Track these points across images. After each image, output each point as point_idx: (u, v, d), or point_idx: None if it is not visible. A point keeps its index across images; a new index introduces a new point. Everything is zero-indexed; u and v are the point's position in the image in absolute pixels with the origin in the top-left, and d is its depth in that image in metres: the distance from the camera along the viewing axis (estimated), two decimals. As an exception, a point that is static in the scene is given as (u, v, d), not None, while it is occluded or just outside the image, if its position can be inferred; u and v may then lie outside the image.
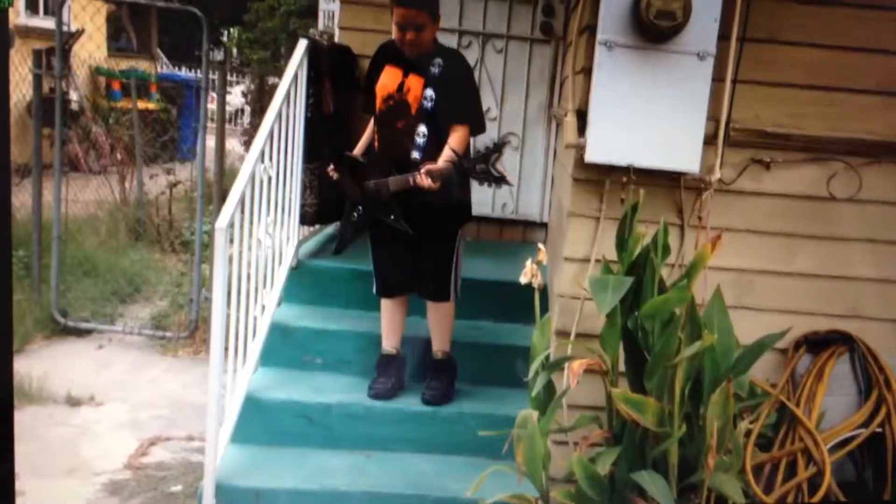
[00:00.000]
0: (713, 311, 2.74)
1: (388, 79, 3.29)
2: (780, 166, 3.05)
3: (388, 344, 3.47)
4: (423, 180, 3.02)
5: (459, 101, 3.25)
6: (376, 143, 3.37)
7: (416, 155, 3.22)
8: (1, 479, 1.17)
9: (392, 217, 3.23)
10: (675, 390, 2.56)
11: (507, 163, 4.69)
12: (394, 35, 3.27)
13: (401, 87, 3.26)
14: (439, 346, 3.44)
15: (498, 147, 3.00)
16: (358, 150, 3.51)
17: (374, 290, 3.48)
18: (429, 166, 3.06)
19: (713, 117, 2.94)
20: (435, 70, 3.23)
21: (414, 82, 3.24)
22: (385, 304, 3.47)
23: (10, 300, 1.18)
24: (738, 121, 3.00)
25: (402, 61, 3.27)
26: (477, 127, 3.27)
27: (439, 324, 3.44)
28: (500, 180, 3.00)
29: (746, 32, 2.94)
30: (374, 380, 3.41)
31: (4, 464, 1.17)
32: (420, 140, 3.23)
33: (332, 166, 3.42)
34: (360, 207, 3.35)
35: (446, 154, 3.11)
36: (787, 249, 3.09)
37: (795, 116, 3.01)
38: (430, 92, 3.21)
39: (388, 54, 3.34)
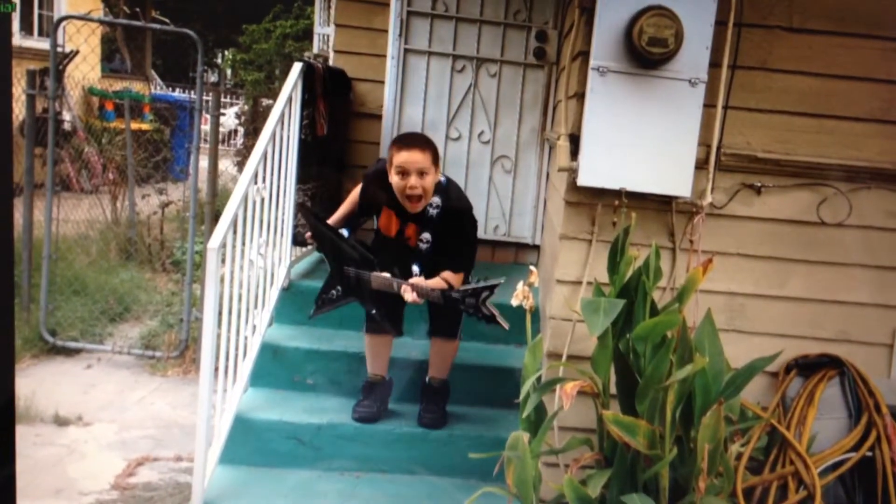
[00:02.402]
0: (704, 334, 2.75)
1: (387, 222, 3.28)
2: (771, 191, 3.07)
3: (374, 370, 3.43)
4: (408, 293, 2.97)
5: (456, 251, 3.20)
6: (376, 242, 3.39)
7: (415, 269, 3.22)
8: (2, 482, 1.17)
9: (373, 312, 3.20)
10: (666, 413, 2.56)
11: (500, 186, 4.72)
12: (392, 180, 3.13)
13: (400, 233, 3.26)
14: (437, 374, 3.42)
15: (490, 287, 2.91)
16: (334, 220, 3.43)
17: (364, 328, 3.39)
18: (417, 280, 3.03)
19: (704, 142, 2.97)
20: (432, 212, 3.20)
21: (412, 230, 3.24)
22: (371, 336, 3.40)
23: (11, 302, 1.17)
24: (729, 146, 3.03)
25: (401, 211, 3.21)
26: (469, 272, 3.26)
27: (443, 359, 3.39)
28: (490, 319, 2.92)
29: (737, 60, 2.98)
30: (359, 402, 3.37)
31: (6, 467, 1.17)
32: (417, 267, 3.23)
33: (309, 233, 3.39)
34: (339, 288, 3.27)
35: (437, 282, 3.08)
36: (778, 273, 3.11)
37: (786, 142, 3.04)
38: (426, 235, 3.21)
39: (384, 195, 3.25)
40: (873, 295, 3.12)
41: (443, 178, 3.26)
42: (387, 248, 3.29)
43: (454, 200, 3.23)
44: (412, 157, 3.06)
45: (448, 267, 3.13)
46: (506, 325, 2.89)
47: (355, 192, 3.43)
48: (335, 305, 3.31)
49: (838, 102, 3.03)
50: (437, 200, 3.18)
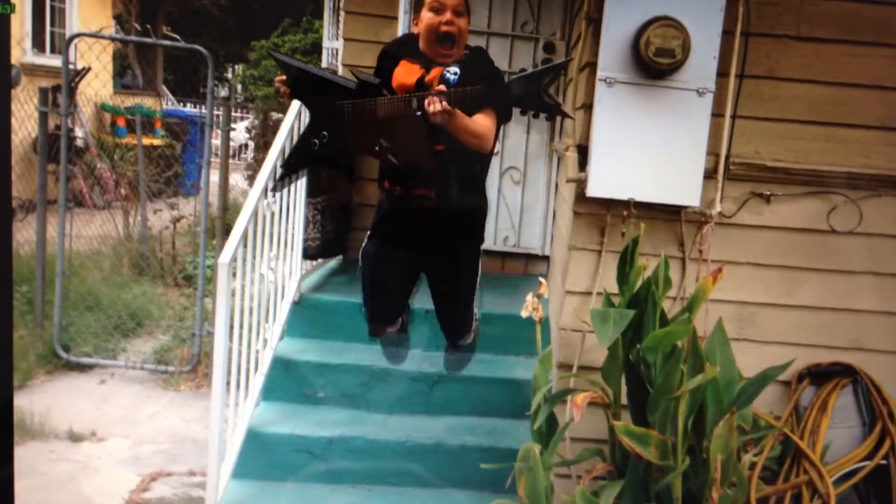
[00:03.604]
0: (715, 344, 2.75)
1: (405, 74, 2.61)
2: (781, 200, 3.07)
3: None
4: (435, 104, 2.21)
5: (488, 83, 2.46)
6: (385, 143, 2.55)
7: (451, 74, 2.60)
8: (1, 483, 1.17)
9: (379, 147, 2.42)
10: (678, 423, 2.56)
11: (509, 197, 4.73)
12: (423, 18, 2.60)
13: (420, 82, 2.57)
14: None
15: (555, 68, 2.34)
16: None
17: (369, 332, 3.03)
18: (441, 88, 2.27)
19: (713, 152, 2.97)
20: (457, 57, 2.63)
21: (435, 74, 2.58)
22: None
23: (10, 302, 1.18)
24: (737, 155, 3.03)
25: (422, 57, 2.62)
26: (503, 117, 2.62)
27: (461, 357, 3.23)
28: (554, 109, 2.33)
29: (745, 69, 2.99)
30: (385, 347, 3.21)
31: (4, 468, 1.17)
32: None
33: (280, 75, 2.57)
34: (325, 133, 2.56)
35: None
36: (789, 282, 3.10)
37: (795, 151, 3.04)
38: (454, 68, 2.58)
39: (403, 49, 2.70)
40: (885, 302, 3.11)
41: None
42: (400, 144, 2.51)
43: (481, 49, 2.76)
44: None
45: (482, 102, 2.42)
46: (572, 116, 2.58)
47: None
48: (317, 161, 2.73)
49: (847, 110, 3.02)
50: (463, 54, 2.64)
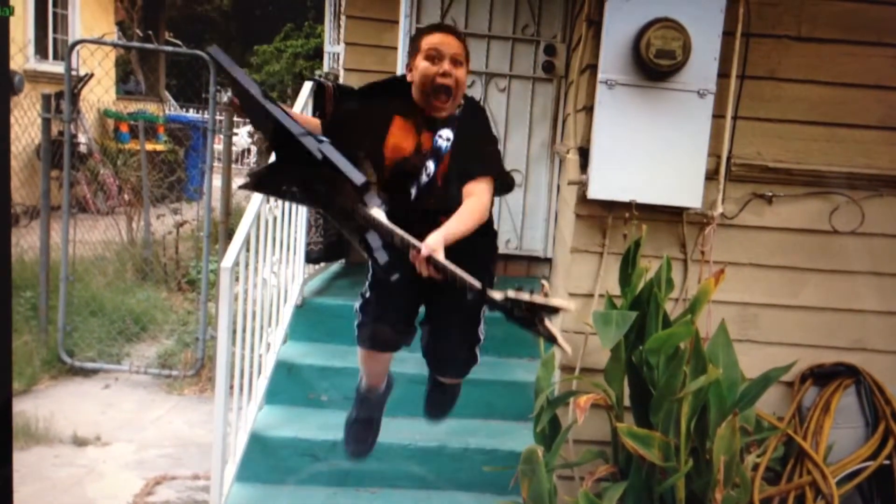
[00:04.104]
0: (718, 345, 2.75)
1: (402, 137, 2.43)
2: (782, 200, 3.07)
3: (369, 381, 2.82)
4: (422, 265, 2.03)
5: (478, 150, 2.41)
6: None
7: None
8: (1, 482, 1.18)
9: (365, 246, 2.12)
10: (681, 424, 2.56)
11: (511, 200, 4.73)
12: (417, 68, 2.38)
13: (418, 148, 2.41)
14: (439, 413, 2.91)
15: (553, 309, 2.07)
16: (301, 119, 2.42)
17: (357, 338, 2.65)
18: (435, 250, 2.03)
19: (714, 153, 2.98)
20: (453, 114, 2.45)
21: (428, 142, 2.42)
22: (364, 350, 2.68)
23: (9, 303, 1.19)
24: (739, 156, 3.03)
25: (416, 113, 2.43)
26: (500, 176, 2.43)
27: (446, 402, 2.85)
28: (549, 339, 2.09)
29: (746, 70, 2.99)
30: (347, 434, 2.90)
31: (3, 467, 1.18)
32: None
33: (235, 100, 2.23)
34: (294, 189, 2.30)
35: (469, 278, 2.07)
36: (791, 283, 3.10)
37: (797, 151, 3.04)
38: (446, 132, 2.41)
39: (396, 98, 2.48)
40: (888, 303, 3.11)
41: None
42: (398, 208, 2.33)
43: (478, 104, 2.57)
44: (447, 40, 2.38)
45: (471, 172, 2.33)
46: (568, 350, 2.11)
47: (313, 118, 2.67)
48: (277, 191, 2.46)
49: (848, 111, 3.03)
50: (458, 108, 2.47)
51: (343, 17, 5.33)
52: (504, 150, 4.70)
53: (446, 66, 2.35)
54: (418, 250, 2.02)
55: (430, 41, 2.38)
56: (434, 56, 2.36)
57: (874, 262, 3.09)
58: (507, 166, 4.70)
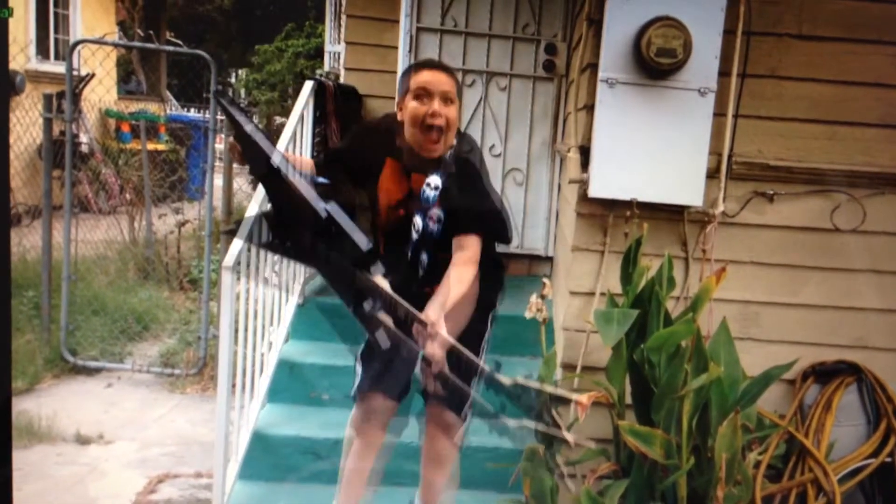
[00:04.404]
0: (719, 343, 2.75)
1: (393, 181, 2.38)
2: (784, 199, 3.08)
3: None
4: (429, 380, 2.15)
5: (472, 207, 2.33)
6: (381, 248, 2.46)
7: (424, 258, 2.36)
8: (1, 483, 1.18)
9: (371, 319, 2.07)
10: (682, 422, 2.56)
11: (512, 198, 4.73)
12: (407, 108, 2.30)
13: (409, 192, 2.36)
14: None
15: (559, 399, 2.12)
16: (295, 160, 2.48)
17: (353, 392, 2.60)
18: (436, 323, 2.07)
19: (715, 151, 2.98)
20: (447, 162, 2.35)
21: (418, 180, 2.37)
22: (359, 427, 2.56)
23: (8, 303, 1.20)
24: (740, 154, 3.03)
25: (407, 154, 2.36)
26: (496, 235, 2.43)
27: (441, 465, 2.55)
28: (550, 434, 2.05)
29: (747, 68, 2.99)
30: None
31: (3, 467, 1.18)
32: (426, 256, 2.35)
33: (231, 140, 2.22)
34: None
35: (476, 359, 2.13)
36: (793, 281, 3.11)
37: (798, 150, 3.05)
38: (434, 178, 2.32)
39: (387, 142, 2.40)
40: (889, 300, 3.11)
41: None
42: (385, 231, 2.39)
43: (472, 146, 2.43)
44: (437, 78, 2.27)
45: (461, 227, 2.29)
46: (571, 441, 2.12)
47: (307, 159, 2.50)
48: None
49: (849, 109, 3.03)
50: (451, 151, 2.37)
51: (344, 17, 5.33)
52: (505, 150, 4.71)
53: (436, 105, 2.25)
54: (423, 324, 2.01)
55: (419, 80, 2.28)
56: (423, 95, 2.26)
57: (876, 260, 3.09)
58: (509, 165, 4.74)
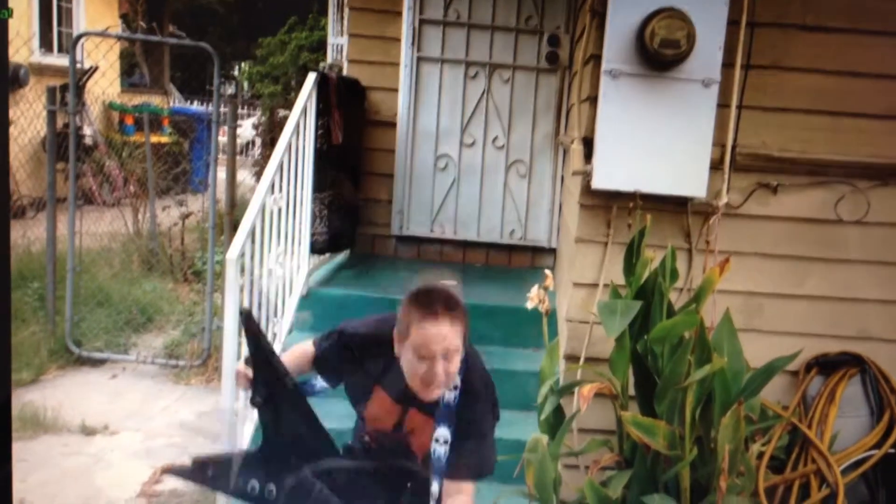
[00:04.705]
0: (723, 335, 2.76)
1: (381, 410, 2.12)
2: (788, 190, 3.07)
3: None
4: None
5: (472, 447, 2.08)
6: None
7: (434, 486, 2.04)
8: (1, 483, 1.19)
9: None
10: (685, 413, 2.57)
11: (515, 190, 4.73)
12: (405, 358, 1.99)
13: (399, 426, 2.11)
14: None
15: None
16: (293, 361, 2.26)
17: None
18: None
19: (719, 143, 2.98)
20: (450, 396, 2.06)
21: (418, 421, 2.09)
22: None
23: (8, 303, 1.20)
24: (744, 146, 3.03)
25: (403, 392, 2.05)
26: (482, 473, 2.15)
27: None
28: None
29: (751, 59, 2.99)
30: None
31: (3, 467, 1.19)
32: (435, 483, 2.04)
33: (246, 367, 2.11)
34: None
35: None
36: (796, 272, 3.11)
37: (802, 141, 3.04)
38: (443, 432, 2.04)
39: (378, 367, 2.12)
40: (894, 292, 3.11)
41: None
42: (375, 453, 2.13)
43: (478, 374, 2.13)
44: (440, 333, 1.94)
45: (455, 472, 2.05)
46: None
47: (306, 347, 2.30)
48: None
49: (854, 100, 3.03)
50: (456, 380, 2.06)
51: (346, 9, 5.32)
52: (508, 142, 4.71)
53: (438, 367, 1.95)
54: None
55: (420, 335, 1.94)
56: (424, 355, 1.96)
57: (879, 251, 3.09)
58: (512, 157, 4.74)
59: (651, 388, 2.68)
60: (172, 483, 3.62)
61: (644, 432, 2.55)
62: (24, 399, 4.26)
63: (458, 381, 2.05)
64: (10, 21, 1.20)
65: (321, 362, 2.26)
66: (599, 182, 2.95)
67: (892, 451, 2.90)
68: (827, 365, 3.08)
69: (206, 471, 2.05)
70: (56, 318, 5.19)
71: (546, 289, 2.86)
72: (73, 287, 5.09)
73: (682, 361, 2.57)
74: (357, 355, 2.17)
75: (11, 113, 7.93)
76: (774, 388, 2.95)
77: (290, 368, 2.15)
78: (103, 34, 7.27)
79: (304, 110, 3.75)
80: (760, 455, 2.77)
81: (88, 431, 4.06)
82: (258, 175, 9.64)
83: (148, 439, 4.06)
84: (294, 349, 2.34)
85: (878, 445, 2.92)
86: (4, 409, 1.18)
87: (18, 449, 3.82)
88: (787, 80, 3.02)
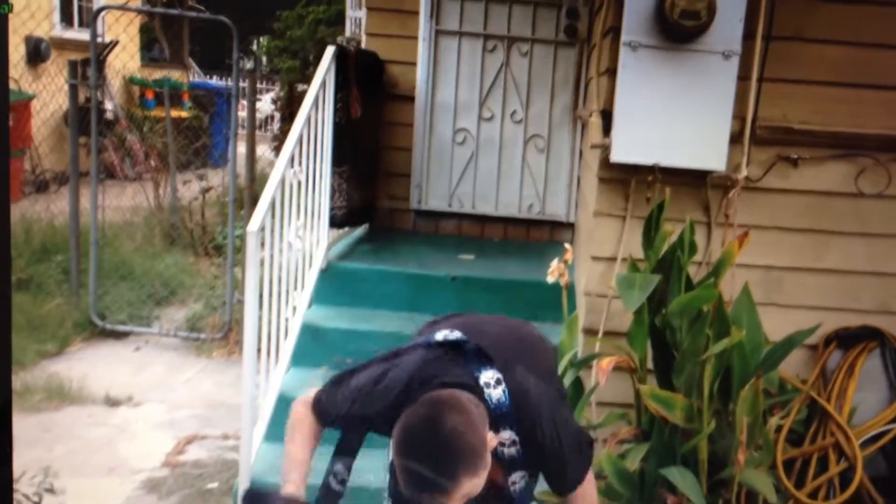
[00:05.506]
0: (741, 308, 2.75)
1: None
2: (808, 163, 3.05)
3: None
4: None
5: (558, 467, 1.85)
6: None
7: None
8: (1, 484, 1.21)
9: None
10: (703, 387, 2.57)
11: (533, 165, 4.72)
12: None
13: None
14: None
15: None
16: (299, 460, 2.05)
17: None
18: None
19: (739, 115, 2.95)
20: (509, 452, 1.81)
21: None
22: None
23: (8, 306, 1.22)
24: (764, 118, 3.00)
25: None
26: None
27: None
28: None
29: (772, 31, 2.94)
30: None
31: (3, 468, 1.21)
32: None
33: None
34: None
35: None
36: (816, 246, 3.08)
37: (823, 113, 3.00)
38: (517, 476, 1.85)
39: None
40: (914, 266, 3.09)
41: (503, 397, 1.78)
42: None
43: (534, 421, 1.81)
44: (468, 493, 1.65)
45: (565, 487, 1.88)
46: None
47: (310, 425, 2.08)
48: None
49: (876, 72, 2.98)
50: (507, 435, 1.80)
51: (365, -18, 5.29)
52: (526, 116, 4.69)
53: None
54: None
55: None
56: None
57: (901, 224, 3.06)
58: (530, 132, 4.72)
59: (669, 361, 2.69)
60: (195, 453, 3.69)
61: (662, 405, 2.56)
62: (49, 370, 4.34)
63: (511, 435, 1.81)
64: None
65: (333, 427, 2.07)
66: (618, 155, 2.94)
67: (911, 424, 2.90)
68: (846, 339, 3.07)
69: None
70: (80, 291, 5.27)
71: (566, 262, 2.86)
72: (97, 261, 5.16)
73: (701, 335, 2.57)
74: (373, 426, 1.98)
75: (33, 87, 7.99)
76: (794, 362, 2.95)
77: (303, 458, 2.03)
78: (124, 8, 7.30)
79: (323, 84, 3.75)
80: (779, 428, 2.77)
81: (113, 403, 4.14)
82: (277, 150, 9.66)
83: (171, 410, 4.13)
84: (296, 435, 2.08)
85: (896, 419, 2.91)
86: (4, 411, 1.19)
87: (44, 420, 3.90)
88: (808, 51, 2.98)
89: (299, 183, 3.47)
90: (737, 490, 2.58)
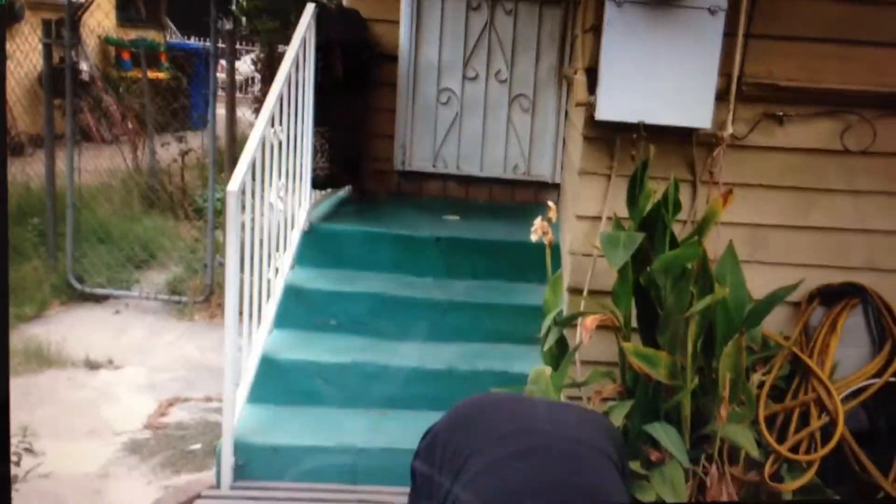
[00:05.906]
0: (726, 266, 2.75)
1: None
2: (794, 120, 3.03)
3: None
4: None
5: None
6: None
7: None
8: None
9: None
10: (687, 344, 2.58)
11: (518, 125, 4.68)
12: None
13: None
14: None
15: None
16: None
17: None
18: None
19: (725, 72, 2.92)
20: None
21: None
22: None
23: (6, 305, 1.18)
24: (750, 75, 2.98)
25: None
26: None
27: None
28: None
29: (759, -14, 2.91)
30: None
31: (1, 465, 1.18)
32: None
33: None
34: None
35: None
36: (801, 203, 3.08)
37: (809, 70, 2.98)
38: None
39: None
40: (898, 223, 3.09)
41: None
42: None
43: None
44: None
45: None
46: None
47: None
48: None
49: (862, 28, 2.96)
50: None
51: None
52: (511, 75, 4.64)
53: None
54: None
55: None
56: None
57: (886, 181, 3.06)
58: (515, 91, 4.67)
59: (653, 319, 2.69)
60: (178, 416, 3.68)
61: (645, 362, 2.56)
62: (27, 333, 4.30)
63: None
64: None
65: None
66: (603, 113, 2.91)
67: (892, 379, 2.92)
68: (829, 295, 3.08)
69: None
70: (57, 254, 5.20)
71: (550, 220, 2.84)
72: (74, 223, 5.09)
73: (685, 293, 2.57)
74: None
75: (8, 48, 7.81)
76: (777, 319, 2.95)
77: None
78: (97, -34, 7.12)
79: (304, 42, 3.68)
80: (761, 384, 2.78)
81: (93, 366, 4.10)
82: (258, 111, 9.53)
83: (153, 374, 4.11)
84: None
85: (878, 374, 2.93)
86: (2, 409, 1.16)
87: (24, 383, 3.86)
88: (795, 7, 2.95)
89: (280, 143, 3.42)
90: (719, 445, 2.60)
